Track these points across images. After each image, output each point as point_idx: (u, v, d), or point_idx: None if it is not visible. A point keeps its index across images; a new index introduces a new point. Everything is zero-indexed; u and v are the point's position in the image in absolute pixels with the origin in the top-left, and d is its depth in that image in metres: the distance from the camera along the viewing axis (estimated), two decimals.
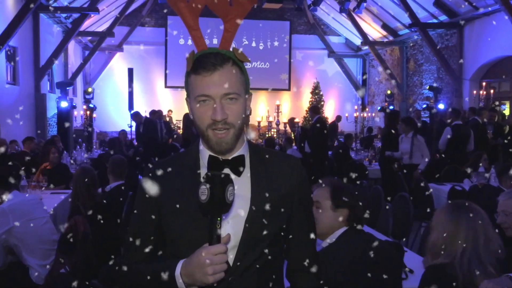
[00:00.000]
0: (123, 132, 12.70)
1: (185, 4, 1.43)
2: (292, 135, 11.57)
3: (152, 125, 11.30)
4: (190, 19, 1.44)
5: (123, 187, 4.88)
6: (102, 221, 3.97)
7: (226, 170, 1.45)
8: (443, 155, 8.26)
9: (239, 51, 1.44)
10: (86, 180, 4.32)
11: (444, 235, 2.26)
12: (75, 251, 3.58)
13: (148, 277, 1.42)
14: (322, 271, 2.14)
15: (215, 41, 16.00)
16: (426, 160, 7.61)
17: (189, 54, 1.42)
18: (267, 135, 15.47)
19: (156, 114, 12.22)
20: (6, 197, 3.59)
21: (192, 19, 1.44)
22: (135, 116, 12.12)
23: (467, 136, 8.09)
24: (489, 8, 11.50)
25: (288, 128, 11.24)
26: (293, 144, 10.14)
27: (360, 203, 2.41)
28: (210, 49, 1.43)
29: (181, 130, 14.08)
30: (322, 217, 2.38)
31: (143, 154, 10.28)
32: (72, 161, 8.94)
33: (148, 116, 12.13)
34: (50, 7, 12.29)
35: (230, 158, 1.46)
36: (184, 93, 1.51)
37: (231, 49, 1.45)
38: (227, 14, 1.45)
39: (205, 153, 1.48)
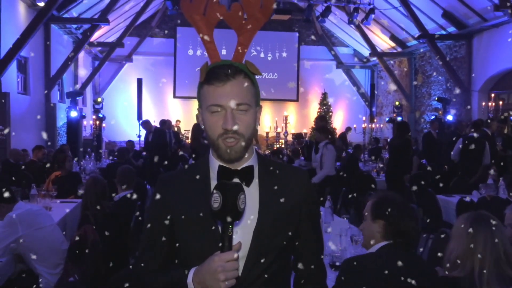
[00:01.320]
0: (130, 142, 12.75)
1: (200, 17, 1.46)
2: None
3: (161, 134, 11.34)
4: (205, 31, 1.47)
5: (131, 197, 4.90)
6: (111, 230, 4.00)
7: (235, 180, 1.46)
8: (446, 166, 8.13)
9: (251, 64, 1.46)
10: (96, 190, 4.36)
11: (463, 248, 2.25)
12: (84, 259, 3.60)
13: (160, 285, 1.44)
14: (350, 279, 2.11)
15: (224, 52, 16.09)
16: (322, 172, 7.16)
17: (203, 66, 1.44)
18: (275, 146, 15.46)
19: (165, 124, 12.27)
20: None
21: (207, 31, 1.47)
22: (145, 124, 12.17)
23: (480, 148, 7.67)
24: (498, 20, 11.51)
25: (296, 144, 11.30)
26: (301, 156, 10.12)
27: (402, 215, 2.27)
28: (224, 61, 1.46)
29: (189, 140, 14.12)
30: (363, 228, 2.40)
31: (151, 163, 10.30)
32: (82, 170, 8.99)
33: (157, 126, 12.18)
34: (61, 18, 12.44)
35: (239, 168, 1.48)
36: (192, 104, 1.54)
37: (243, 62, 1.47)
38: (242, 28, 1.48)
39: (215, 164, 1.49)
